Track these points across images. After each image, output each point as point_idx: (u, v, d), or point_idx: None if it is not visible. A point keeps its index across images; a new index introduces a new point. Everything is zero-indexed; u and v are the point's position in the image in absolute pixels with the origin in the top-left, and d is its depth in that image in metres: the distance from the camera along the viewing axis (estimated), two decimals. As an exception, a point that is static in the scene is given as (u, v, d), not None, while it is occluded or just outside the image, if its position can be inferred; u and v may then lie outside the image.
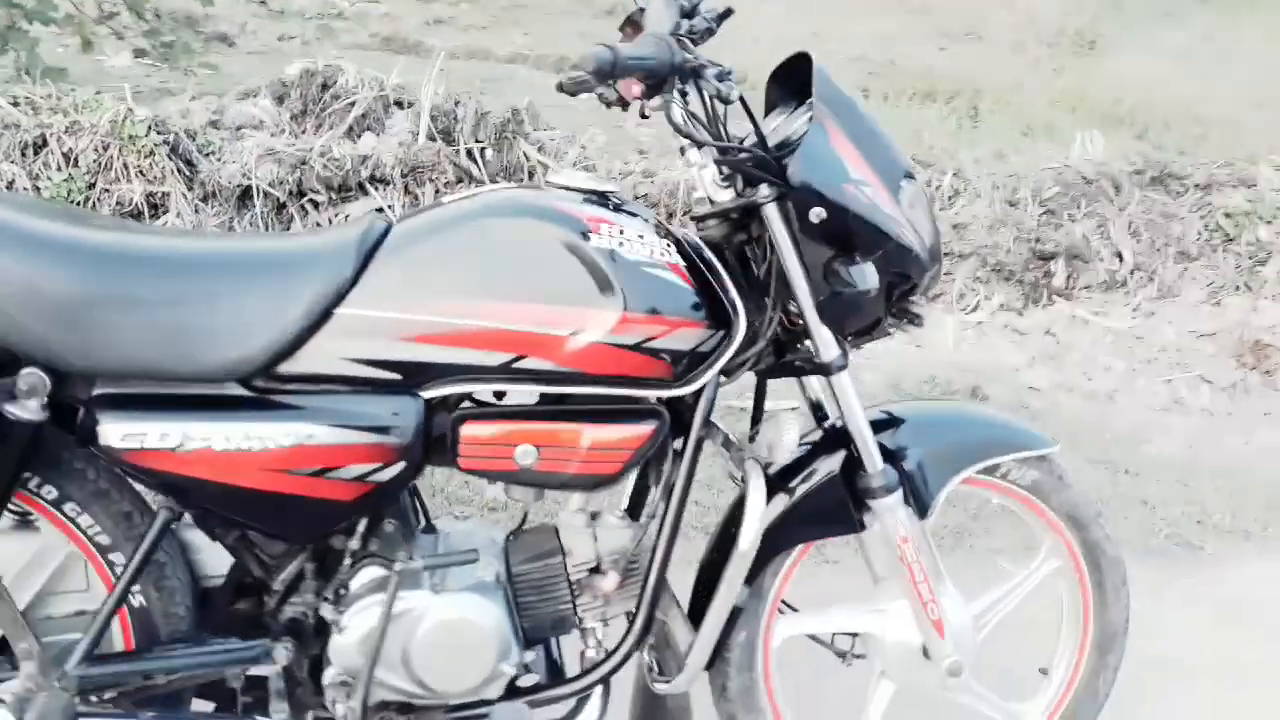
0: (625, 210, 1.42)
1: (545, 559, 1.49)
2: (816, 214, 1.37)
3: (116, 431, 1.26)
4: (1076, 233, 4.26)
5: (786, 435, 1.43)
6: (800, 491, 1.52)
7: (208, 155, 3.69)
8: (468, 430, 1.36)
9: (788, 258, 1.41)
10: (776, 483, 1.51)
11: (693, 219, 1.51)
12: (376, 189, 3.72)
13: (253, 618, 1.46)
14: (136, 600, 1.40)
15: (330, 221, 3.66)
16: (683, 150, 1.50)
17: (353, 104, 3.82)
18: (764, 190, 1.40)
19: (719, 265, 1.44)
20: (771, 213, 1.40)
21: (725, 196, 1.44)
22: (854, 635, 1.69)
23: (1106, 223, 4.30)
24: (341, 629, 1.38)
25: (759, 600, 1.57)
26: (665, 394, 1.40)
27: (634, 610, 1.48)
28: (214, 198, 3.61)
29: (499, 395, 1.41)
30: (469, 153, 3.85)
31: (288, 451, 1.30)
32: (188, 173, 3.61)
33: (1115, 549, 1.69)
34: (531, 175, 3.91)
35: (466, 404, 1.40)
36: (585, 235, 1.35)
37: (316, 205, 3.68)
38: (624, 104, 1.62)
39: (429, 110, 3.81)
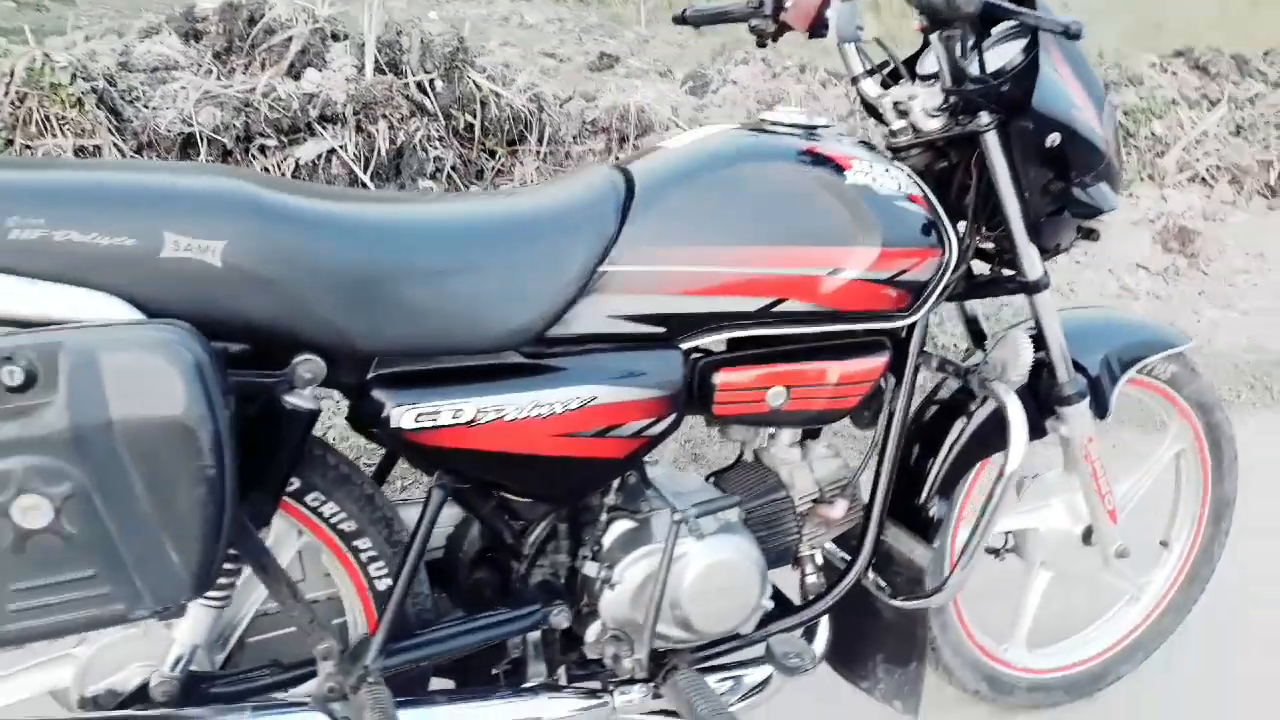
0: (855, 144, 1.43)
1: (772, 494, 1.51)
2: (1052, 140, 1.42)
3: (409, 413, 1.19)
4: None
5: (1024, 354, 1.49)
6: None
7: (132, 102, 3.36)
8: (723, 378, 1.36)
9: (1004, 183, 1.45)
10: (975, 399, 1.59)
11: (890, 149, 1.52)
12: (326, 129, 3.50)
13: (493, 585, 1.43)
14: (381, 584, 1.34)
15: (280, 168, 3.43)
16: (855, 80, 1.52)
17: (289, 39, 3.55)
18: (984, 118, 1.43)
19: (930, 194, 1.47)
20: (992, 140, 1.44)
21: (934, 125, 1.47)
22: (1008, 533, 1.80)
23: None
24: (614, 584, 1.37)
25: (951, 509, 1.65)
26: (902, 324, 1.43)
27: (858, 535, 1.53)
28: (150, 147, 3.30)
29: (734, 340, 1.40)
30: (419, 85, 3.66)
31: (575, 414, 1.26)
32: (114, 122, 3.28)
33: (1231, 428, 1.87)
34: (485, 106, 3.77)
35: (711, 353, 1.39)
36: (840, 173, 1.35)
37: (265, 150, 3.42)
38: (777, 36, 1.63)
39: (374, 41, 3.58)
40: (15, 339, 0.96)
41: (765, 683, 1.47)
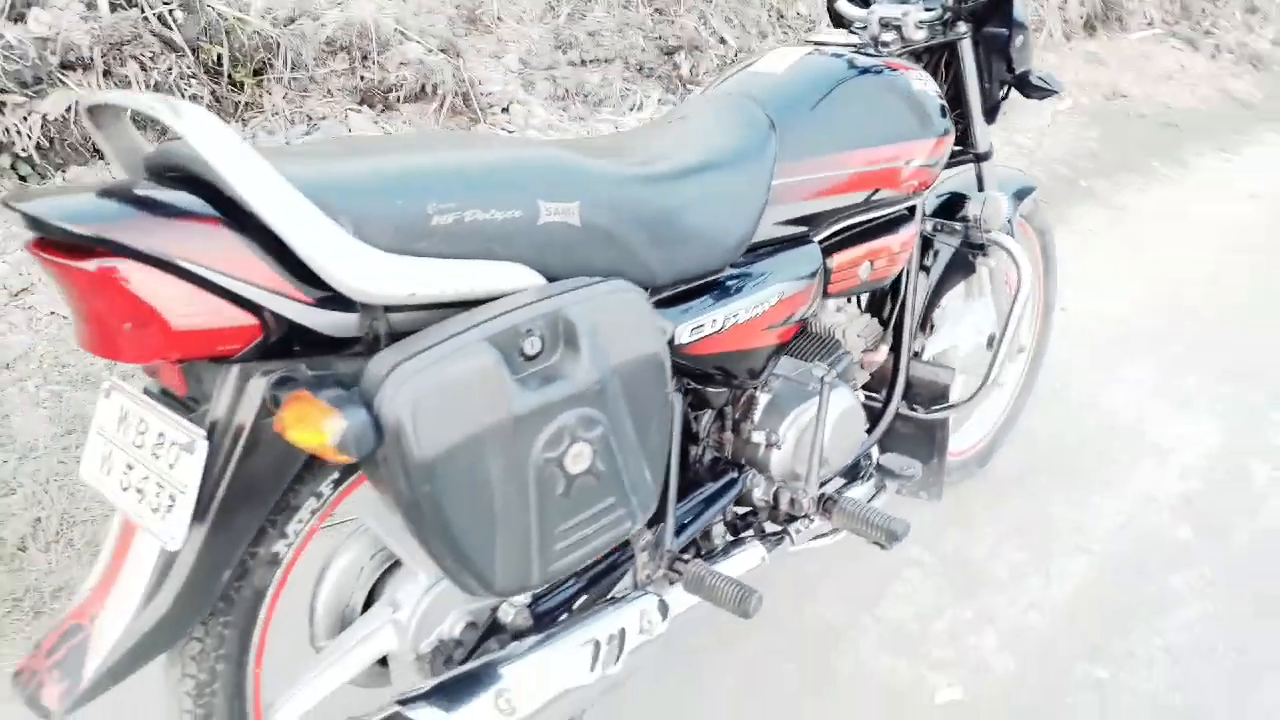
0: (896, 56, 1.77)
1: (841, 350, 1.87)
2: (1018, 41, 1.86)
3: (686, 328, 1.39)
4: (689, 26, 4.96)
5: (1005, 208, 1.95)
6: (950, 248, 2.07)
7: None
8: (836, 262, 1.68)
9: (971, 79, 1.89)
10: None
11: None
12: (70, 76, 3.10)
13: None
14: None
15: (25, 125, 3.00)
16: (832, 1, 1.87)
17: (-3, -26, 3.04)
18: (961, 28, 1.84)
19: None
20: (966, 45, 1.86)
21: (921, 36, 1.84)
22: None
23: (705, 15, 5.07)
24: (780, 444, 1.66)
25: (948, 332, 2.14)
26: (925, 196, 1.84)
27: (891, 373, 1.95)
28: None
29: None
30: (159, 18, 3.33)
31: (773, 310, 1.53)
32: None
33: (1055, 248, 2.51)
34: (230, 35, 3.51)
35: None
36: (906, 80, 1.69)
37: (3, 108, 2.97)
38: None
39: (101, -28, 3.18)
40: (523, 314, 1.06)
41: (876, 495, 1.86)
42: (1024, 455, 2.64)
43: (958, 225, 2.00)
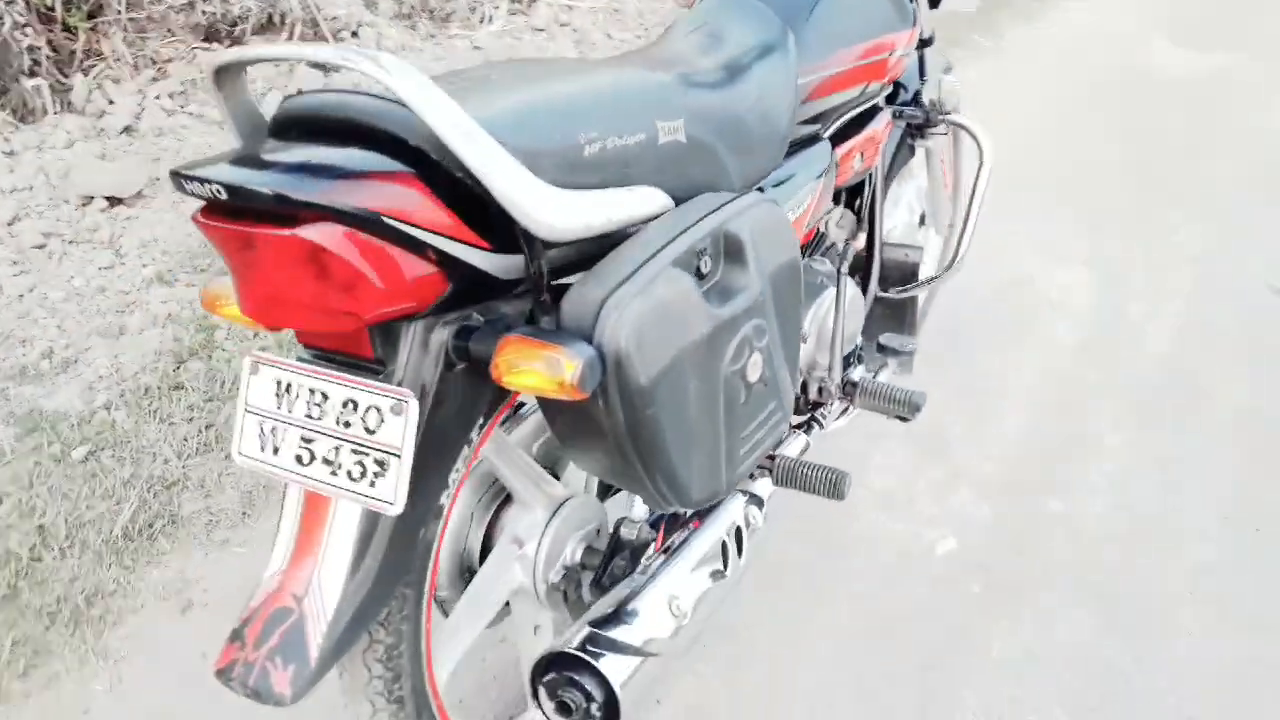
0: None
1: (826, 241, 1.99)
2: None
3: None
4: (526, -68, 4.85)
5: (958, 89, 2.09)
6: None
7: None
8: (838, 155, 1.77)
9: None
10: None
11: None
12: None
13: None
14: None
15: None
16: None
17: None
18: None
19: None
20: None
21: None
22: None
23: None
24: (806, 336, 1.74)
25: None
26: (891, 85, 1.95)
27: (866, 256, 2.08)
28: None
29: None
30: (-22, -37, 2.97)
31: (808, 209, 1.63)
32: None
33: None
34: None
35: None
36: None
37: None
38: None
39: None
40: (695, 235, 1.09)
41: (878, 374, 2.01)
42: (949, 321, 2.87)
43: (918, 111, 2.13)
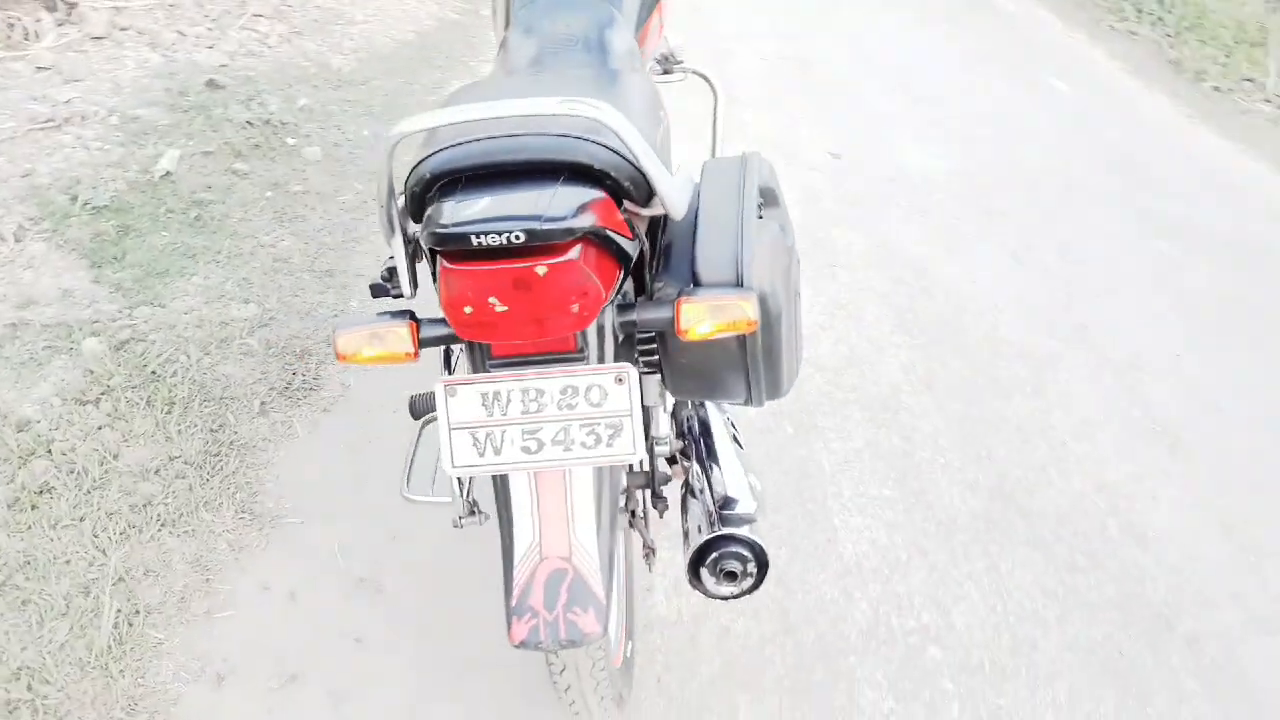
0: None
1: None
2: None
3: None
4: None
5: (683, 41, 2.50)
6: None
7: None
8: None
9: None
10: None
11: None
12: None
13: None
14: None
15: None
16: None
17: None
18: None
19: None
20: None
21: None
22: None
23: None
24: None
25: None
26: None
27: None
28: None
29: None
30: None
31: None
32: None
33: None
34: None
35: None
36: None
37: None
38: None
39: None
40: (752, 192, 1.41)
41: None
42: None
43: (657, 64, 2.51)
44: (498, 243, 1.09)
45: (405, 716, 1.83)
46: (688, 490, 1.64)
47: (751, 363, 1.39)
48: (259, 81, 4.32)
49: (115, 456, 2.26)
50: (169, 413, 2.41)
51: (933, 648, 2.05)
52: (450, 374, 1.72)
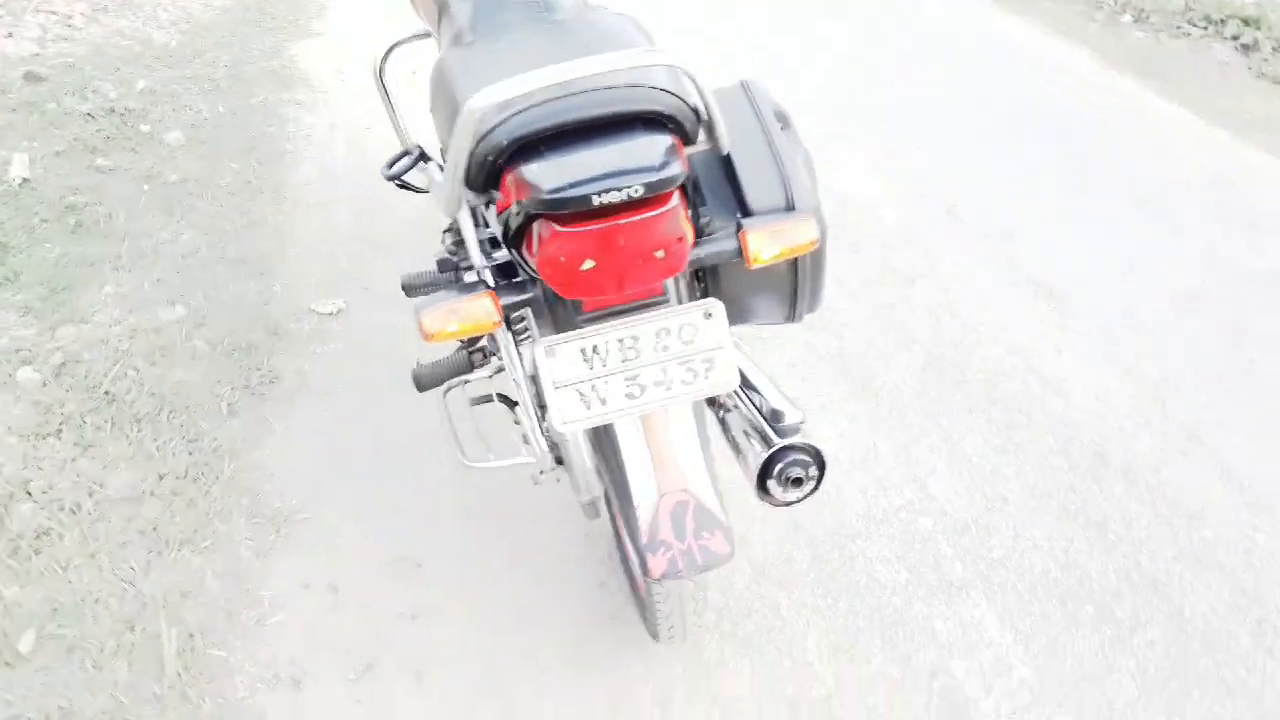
0: None
1: None
2: None
3: None
4: None
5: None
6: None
7: None
8: None
9: None
10: None
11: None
12: None
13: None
14: None
15: None
16: None
17: None
18: None
19: None
20: None
21: None
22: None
23: None
24: None
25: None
26: None
27: None
28: None
29: None
30: None
31: None
32: None
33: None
34: None
35: None
36: None
37: None
38: None
39: None
40: (773, 117, 1.51)
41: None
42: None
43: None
44: (619, 199, 1.15)
45: (488, 677, 1.92)
46: (723, 410, 1.79)
47: (801, 280, 1.51)
48: (83, 68, 4.00)
49: (101, 485, 2.18)
50: (139, 431, 2.33)
51: (922, 519, 2.31)
52: (471, 350, 1.77)
